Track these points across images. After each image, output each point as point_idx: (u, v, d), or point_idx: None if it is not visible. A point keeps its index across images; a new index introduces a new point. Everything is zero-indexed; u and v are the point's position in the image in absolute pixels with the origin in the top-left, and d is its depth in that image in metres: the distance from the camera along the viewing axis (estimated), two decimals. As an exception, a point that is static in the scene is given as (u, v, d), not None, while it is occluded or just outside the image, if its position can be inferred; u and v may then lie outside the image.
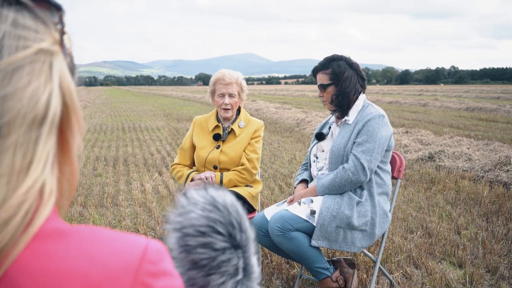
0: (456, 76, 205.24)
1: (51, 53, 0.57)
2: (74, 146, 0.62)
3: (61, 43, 0.60)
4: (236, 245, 0.76)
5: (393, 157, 2.99)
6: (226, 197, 0.78)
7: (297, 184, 3.04)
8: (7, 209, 0.51)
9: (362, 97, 2.87)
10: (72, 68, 0.63)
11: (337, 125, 2.93)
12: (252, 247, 0.78)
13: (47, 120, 0.55)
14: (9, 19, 0.54)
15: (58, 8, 0.60)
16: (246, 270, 0.77)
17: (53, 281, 0.52)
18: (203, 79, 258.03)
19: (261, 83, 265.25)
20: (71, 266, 0.54)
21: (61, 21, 0.61)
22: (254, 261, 0.79)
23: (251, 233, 0.79)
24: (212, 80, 3.22)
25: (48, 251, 0.54)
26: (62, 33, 0.61)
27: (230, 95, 3.15)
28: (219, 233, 0.75)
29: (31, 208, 0.53)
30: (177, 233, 0.75)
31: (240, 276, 0.75)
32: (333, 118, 3.02)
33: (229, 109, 3.17)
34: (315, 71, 2.93)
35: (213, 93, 3.23)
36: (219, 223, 0.75)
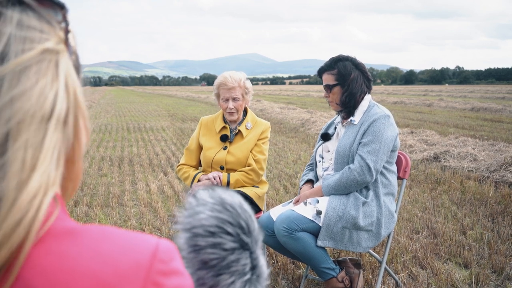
0: (461, 76, 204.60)
1: (57, 52, 0.57)
2: (80, 144, 0.62)
3: (66, 42, 0.60)
4: (245, 245, 0.76)
5: (399, 157, 2.98)
6: (234, 198, 0.78)
7: (303, 184, 3.03)
8: (19, 208, 0.51)
9: (367, 98, 2.87)
10: (77, 66, 0.63)
11: (343, 126, 2.93)
12: (261, 248, 0.79)
13: (53, 117, 0.55)
14: (14, 20, 0.54)
15: (61, 7, 0.60)
16: (255, 270, 0.77)
17: (65, 281, 0.53)
18: (208, 80, 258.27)
19: (266, 83, 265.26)
20: (82, 265, 0.54)
21: (65, 20, 0.61)
22: (263, 261, 0.79)
23: (259, 233, 0.79)
24: (215, 83, 3.22)
25: (59, 250, 0.54)
26: (66, 31, 0.61)
27: (234, 99, 3.15)
28: (228, 233, 0.75)
29: (42, 204, 0.53)
30: (187, 233, 0.76)
31: (248, 276, 0.76)
32: (338, 119, 3.02)
33: (234, 112, 3.18)
34: (321, 71, 2.93)
35: (217, 96, 3.24)
36: (228, 223, 0.75)
